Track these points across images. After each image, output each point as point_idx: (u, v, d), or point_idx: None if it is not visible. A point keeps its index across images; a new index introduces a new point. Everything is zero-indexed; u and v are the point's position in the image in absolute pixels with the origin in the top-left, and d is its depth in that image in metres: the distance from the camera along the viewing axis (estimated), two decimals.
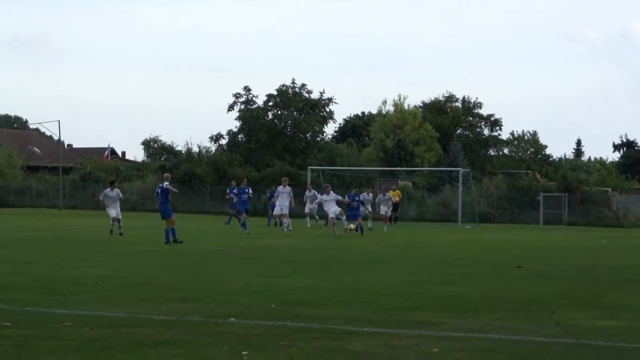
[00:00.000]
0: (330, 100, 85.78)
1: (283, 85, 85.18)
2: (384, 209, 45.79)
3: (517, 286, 17.42)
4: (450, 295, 15.55)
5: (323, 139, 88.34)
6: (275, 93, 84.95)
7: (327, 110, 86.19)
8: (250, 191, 43.26)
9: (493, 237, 39.83)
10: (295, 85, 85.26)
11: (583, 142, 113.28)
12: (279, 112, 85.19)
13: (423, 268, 21.78)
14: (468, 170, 68.99)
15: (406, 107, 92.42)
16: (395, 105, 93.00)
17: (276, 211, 41.42)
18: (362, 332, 11.05)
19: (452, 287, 17.03)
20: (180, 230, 29.90)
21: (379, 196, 47.39)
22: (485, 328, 11.49)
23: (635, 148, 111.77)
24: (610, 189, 76.24)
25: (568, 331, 11.32)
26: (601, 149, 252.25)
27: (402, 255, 26.48)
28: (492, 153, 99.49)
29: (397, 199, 51.27)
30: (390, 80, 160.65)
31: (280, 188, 41.69)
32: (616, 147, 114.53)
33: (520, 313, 13.15)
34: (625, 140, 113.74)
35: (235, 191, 42.83)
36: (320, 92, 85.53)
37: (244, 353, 9.53)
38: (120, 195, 34.65)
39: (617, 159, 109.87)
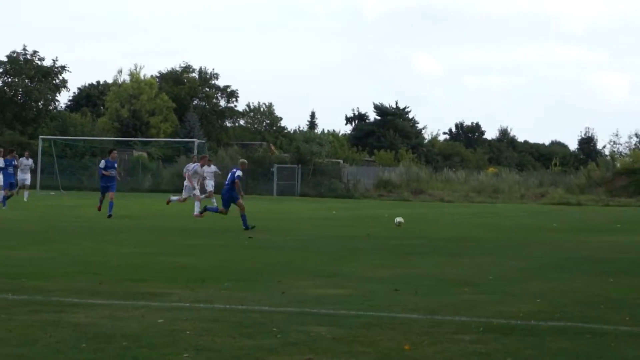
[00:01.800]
0: (63, 68, 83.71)
1: (13, 52, 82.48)
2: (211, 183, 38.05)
3: (246, 256, 17.61)
4: (179, 266, 15.52)
5: (56, 107, 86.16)
6: (5, 60, 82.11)
7: (60, 78, 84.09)
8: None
9: None
10: (26, 52, 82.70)
11: (317, 115, 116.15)
12: (9, 79, 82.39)
13: (154, 239, 21.67)
14: (204, 141, 69.33)
15: (142, 77, 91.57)
16: (131, 74, 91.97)
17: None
18: (86, 304, 10.84)
19: (182, 258, 17.02)
20: None
21: (204, 168, 40.65)
22: (212, 298, 11.53)
23: (366, 121, 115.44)
24: (341, 161, 78.48)
25: (292, 300, 11.53)
26: (334, 121, 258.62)
27: (134, 226, 26.21)
28: (228, 124, 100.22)
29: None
30: (126, 49, 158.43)
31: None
32: (348, 120, 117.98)
33: (248, 283, 13.28)
34: (357, 114, 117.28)
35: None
36: (53, 60, 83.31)
37: None
38: None
39: (349, 132, 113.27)
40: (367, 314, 10.43)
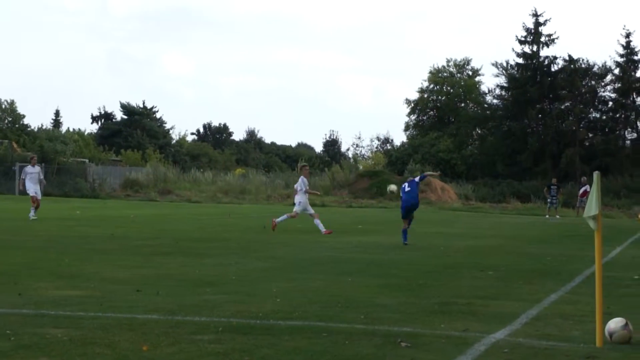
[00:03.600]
0: None
1: None
2: (35, 188, 33.10)
3: None
4: None
5: None
6: None
7: None
8: None
9: None
10: None
11: (62, 113, 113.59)
12: None
13: None
14: None
15: None
16: None
17: None
18: None
19: None
20: None
21: (27, 168, 33.68)
22: None
23: (113, 120, 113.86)
24: (87, 160, 77.16)
25: (29, 301, 11.22)
26: (80, 120, 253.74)
27: None
28: None
29: None
30: None
31: None
32: (94, 119, 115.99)
33: None
34: (103, 112, 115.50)
35: None
36: None
37: None
38: None
39: (95, 131, 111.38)
40: (106, 315, 10.28)
